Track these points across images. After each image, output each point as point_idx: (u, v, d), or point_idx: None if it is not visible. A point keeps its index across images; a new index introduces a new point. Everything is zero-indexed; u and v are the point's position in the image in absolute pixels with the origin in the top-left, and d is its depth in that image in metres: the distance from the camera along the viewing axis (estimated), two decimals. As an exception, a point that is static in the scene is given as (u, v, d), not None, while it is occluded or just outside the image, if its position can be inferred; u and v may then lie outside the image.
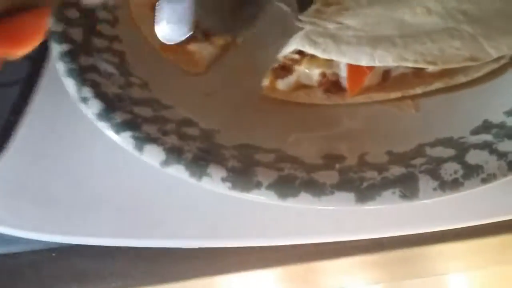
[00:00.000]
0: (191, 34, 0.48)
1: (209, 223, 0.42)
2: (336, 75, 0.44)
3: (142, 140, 0.40)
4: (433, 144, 0.39)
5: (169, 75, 0.48)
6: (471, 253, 0.43)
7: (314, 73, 0.45)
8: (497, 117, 0.40)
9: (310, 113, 0.45)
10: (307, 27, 0.45)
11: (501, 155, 0.35)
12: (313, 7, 0.47)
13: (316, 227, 0.41)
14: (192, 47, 0.49)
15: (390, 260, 0.43)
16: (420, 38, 0.43)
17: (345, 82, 0.44)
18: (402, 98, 0.44)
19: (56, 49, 0.46)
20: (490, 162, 0.35)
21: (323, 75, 0.45)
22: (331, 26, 0.45)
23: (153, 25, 0.49)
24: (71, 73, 0.44)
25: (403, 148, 0.39)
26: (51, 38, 0.47)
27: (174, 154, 0.39)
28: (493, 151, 0.36)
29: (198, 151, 0.39)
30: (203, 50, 0.49)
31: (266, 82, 0.46)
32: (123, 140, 0.40)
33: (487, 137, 0.38)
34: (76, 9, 0.49)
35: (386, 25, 0.44)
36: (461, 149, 0.37)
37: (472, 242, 0.42)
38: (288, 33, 0.47)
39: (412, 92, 0.44)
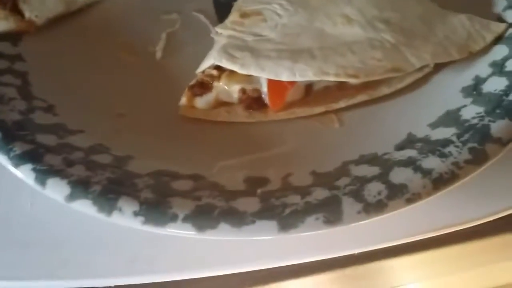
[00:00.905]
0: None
1: (125, 258, 0.39)
2: (257, 91, 0.42)
3: (45, 173, 0.36)
4: (357, 162, 0.37)
5: (78, 95, 0.44)
6: (424, 264, 0.43)
7: (233, 90, 0.42)
8: (421, 130, 0.39)
9: (232, 133, 0.42)
10: (224, 40, 0.43)
11: (426, 173, 0.34)
12: (230, 18, 0.45)
13: (257, 253, 0.39)
14: None
15: (344, 277, 0.41)
16: (340, 50, 0.41)
17: (266, 98, 0.42)
18: (326, 113, 0.43)
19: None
20: (415, 180, 0.34)
21: (243, 91, 0.42)
22: (249, 38, 0.42)
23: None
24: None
25: (327, 167, 0.37)
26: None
27: (80, 187, 0.35)
28: (417, 168, 0.35)
29: (108, 182, 0.36)
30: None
31: (183, 100, 0.43)
32: (24, 174, 0.36)
33: (412, 153, 0.36)
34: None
35: (306, 37, 0.42)
36: (385, 166, 0.36)
37: (424, 254, 0.42)
38: (208, 47, 0.45)
39: (335, 106, 0.43)
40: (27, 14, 0.47)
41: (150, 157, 0.39)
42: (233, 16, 0.45)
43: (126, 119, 0.43)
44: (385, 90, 0.43)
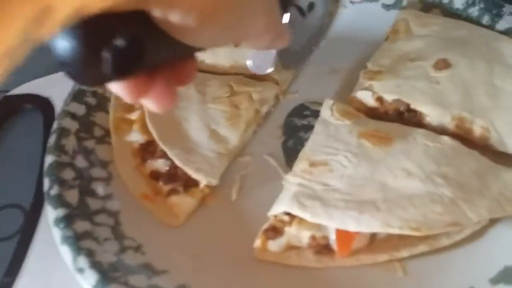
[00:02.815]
0: (172, 186, 0.51)
1: None
2: (326, 238, 0.45)
3: (136, 316, 0.40)
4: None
5: (161, 234, 0.49)
6: None
7: (304, 236, 0.46)
8: (483, 285, 0.42)
9: (301, 276, 0.45)
10: (295, 188, 0.47)
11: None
12: (299, 166, 0.49)
13: None
14: (172, 199, 0.51)
15: None
16: (402, 203, 0.44)
17: (334, 245, 0.45)
18: (390, 261, 0.45)
19: (51, 214, 0.47)
20: None
21: (313, 238, 0.46)
22: (318, 187, 0.46)
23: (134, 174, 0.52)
24: (66, 241, 0.45)
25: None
26: (47, 202, 0.48)
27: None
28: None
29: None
30: (183, 203, 0.50)
31: (257, 243, 0.47)
32: (120, 316, 0.40)
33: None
34: (71, 169, 0.51)
35: (370, 188, 0.46)
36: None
37: None
38: (277, 189, 0.50)
39: (398, 255, 0.45)
40: (203, 182, 0.51)
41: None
42: (302, 165, 0.49)
43: (202, 259, 0.47)
44: (445, 241, 0.45)
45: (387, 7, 0.66)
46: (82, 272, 0.43)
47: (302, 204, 0.45)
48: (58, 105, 0.62)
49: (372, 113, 0.55)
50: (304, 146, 0.52)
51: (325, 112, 0.54)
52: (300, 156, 0.51)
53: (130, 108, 0.57)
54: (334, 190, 0.46)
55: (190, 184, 0.51)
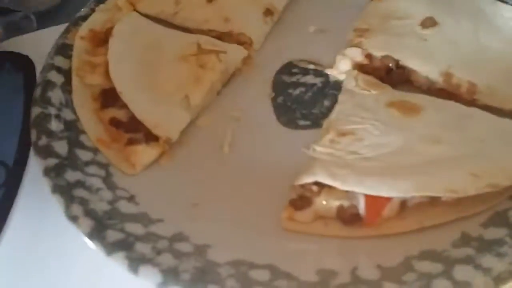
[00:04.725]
0: (132, 135, 0.50)
1: None
2: (355, 207, 0.44)
3: (137, 261, 0.40)
4: (419, 258, 0.41)
5: (155, 184, 0.48)
6: None
7: (332, 205, 0.44)
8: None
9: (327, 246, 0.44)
10: (324, 157, 0.46)
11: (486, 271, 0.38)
12: (327, 137, 0.48)
13: None
14: (131, 148, 0.49)
15: None
16: (436, 167, 0.44)
17: (363, 214, 0.44)
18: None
19: (40, 164, 0.46)
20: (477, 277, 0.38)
21: (341, 207, 0.44)
22: (348, 156, 0.46)
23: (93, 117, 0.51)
24: (58, 189, 0.44)
25: (391, 262, 0.41)
26: (34, 152, 0.47)
27: (171, 275, 0.39)
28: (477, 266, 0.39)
29: (195, 271, 0.39)
30: (142, 153, 0.49)
31: (285, 214, 0.45)
32: (117, 261, 0.40)
33: (469, 251, 0.40)
34: (58, 121, 0.50)
35: (402, 155, 0.45)
36: (447, 263, 0.40)
37: None
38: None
39: (428, 223, 0.44)
40: (162, 137, 0.49)
41: (227, 246, 0.43)
42: (329, 135, 0.48)
43: (200, 209, 0.47)
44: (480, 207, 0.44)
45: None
46: (76, 220, 0.42)
47: (333, 173, 0.44)
48: (38, 63, 0.61)
49: (362, 70, 0.55)
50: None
51: (349, 81, 0.53)
52: (326, 125, 0.50)
53: (94, 51, 0.56)
54: (364, 158, 0.46)
55: (151, 135, 0.50)
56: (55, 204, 0.44)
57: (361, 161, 0.45)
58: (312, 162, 0.47)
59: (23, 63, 0.63)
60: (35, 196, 0.50)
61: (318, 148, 0.48)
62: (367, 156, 0.46)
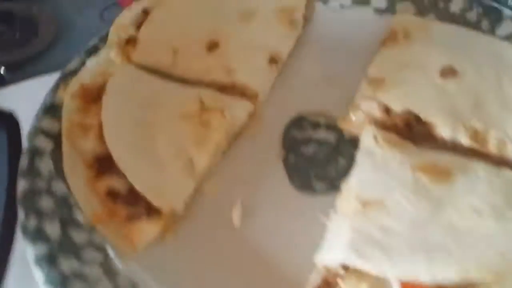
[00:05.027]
0: (132, 209, 0.44)
1: None
2: None
3: None
4: None
5: (159, 267, 0.43)
6: None
7: None
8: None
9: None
10: (348, 232, 0.41)
11: None
12: (350, 206, 0.43)
13: None
14: (132, 224, 0.44)
15: None
16: (476, 244, 0.40)
17: None
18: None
19: (31, 250, 0.40)
20: None
21: None
22: (375, 232, 0.41)
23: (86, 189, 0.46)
24: (52, 283, 0.38)
25: None
26: (23, 236, 0.41)
27: None
28: None
29: None
30: (144, 230, 0.44)
31: None
32: None
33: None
34: (49, 196, 0.44)
35: (436, 230, 0.41)
36: None
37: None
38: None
39: None
40: (166, 208, 0.44)
41: None
42: (352, 204, 0.43)
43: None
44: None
45: (379, 11, 0.63)
46: (73, 320, 0.37)
47: (361, 253, 0.39)
48: (24, 120, 0.56)
49: (379, 125, 0.51)
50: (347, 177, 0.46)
51: (368, 141, 0.49)
52: (346, 192, 0.45)
53: (85, 110, 0.50)
54: (395, 234, 0.41)
55: (153, 208, 0.44)
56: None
57: (391, 236, 0.41)
58: (335, 237, 0.42)
59: (5, 120, 0.57)
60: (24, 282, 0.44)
61: (339, 220, 0.43)
62: (397, 231, 0.41)
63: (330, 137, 0.53)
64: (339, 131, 0.53)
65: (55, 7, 0.76)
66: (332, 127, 0.54)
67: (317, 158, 0.51)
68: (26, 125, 0.55)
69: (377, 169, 0.46)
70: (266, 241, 0.45)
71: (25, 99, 0.58)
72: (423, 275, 0.38)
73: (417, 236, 0.41)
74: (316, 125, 0.54)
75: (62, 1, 0.77)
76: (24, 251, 0.43)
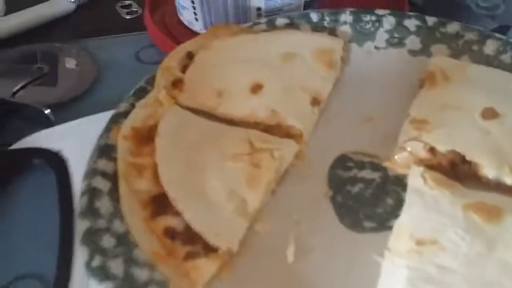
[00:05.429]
0: (190, 248, 0.46)
1: None
2: None
3: None
4: None
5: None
6: None
7: None
8: None
9: None
10: (406, 271, 0.42)
11: None
12: (404, 245, 0.44)
13: None
14: (191, 263, 0.45)
15: None
16: None
17: None
18: None
19: (96, 290, 0.41)
20: None
21: None
22: (432, 270, 0.42)
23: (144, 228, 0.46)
24: (120, 322, 0.39)
25: None
26: (88, 275, 0.42)
27: None
28: None
29: None
30: (203, 268, 0.44)
31: None
32: None
33: None
34: (110, 235, 0.45)
35: (491, 269, 0.42)
36: None
37: None
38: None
39: None
40: (223, 247, 0.45)
41: None
42: (409, 243, 0.44)
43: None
44: None
45: (413, 53, 0.65)
46: None
47: None
48: (72, 160, 0.57)
49: (424, 165, 0.52)
50: (398, 218, 0.47)
51: (416, 180, 0.50)
52: (399, 232, 0.46)
53: (138, 151, 0.52)
54: (452, 272, 0.42)
55: (210, 247, 0.45)
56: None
57: (447, 274, 0.42)
58: (391, 276, 0.43)
59: (53, 160, 0.59)
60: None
61: (396, 260, 0.44)
62: (453, 269, 0.42)
63: (376, 176, 0.54)
64: (383, 170, 0.54)
65: (94, 48, 0.78)
66: (376, 166, 0.55)
67: (364, 197, 0.52)
68: (74, 165, 0.57)
69: (428, 208, 0.47)
70: (319, 277, 0.46)
71: (72, 139, 0.60)
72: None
73: (473, 274, 0.42)
74: (361, 165, 0.55)
75: (100, 43, 0.80)
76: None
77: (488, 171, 0.50)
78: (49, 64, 0.73)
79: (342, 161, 0.56)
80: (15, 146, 0.59)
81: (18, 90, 0.69)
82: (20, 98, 0.69)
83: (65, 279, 0.48)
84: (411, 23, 0.66)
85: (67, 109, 0.67)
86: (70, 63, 0.74)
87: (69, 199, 0.54)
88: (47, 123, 0.64)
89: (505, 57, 0.61)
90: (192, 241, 0.46)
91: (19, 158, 0.59)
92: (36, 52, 0.75)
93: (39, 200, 0.56)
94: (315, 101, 0.59)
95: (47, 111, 0.64)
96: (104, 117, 0.56)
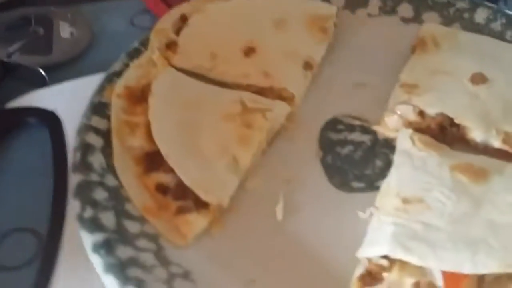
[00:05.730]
0: (181, 203, 0.47)
1: None
2: (432, 284, 0.41)
3: None
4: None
5: (208, 257, 0.45)
6: None
7: (406, 282, 0.41)
8: None
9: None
10: (391, 228, 0.43)
11: None
12: (391, 203, 0.45)
13: None
14: (182, 217, 0.46)
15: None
16: None
17: None
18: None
19: (88, 239, 0.42)
20: None
21: (417, 284, 0.41)
22: (418, 227, 0.43)
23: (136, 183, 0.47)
24: (111, 269, 0.40)
25: None
26: (80, 226, 0.43)
27: None
28: None
29: None
30: (193, 222, 0.46)
31: None
32: None
33: None
34: (102, 188, 0.46)
35: (476, 226, 0.42)
36: None
37: None
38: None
39: None
40: (214, 203, 0.46)
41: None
42: (394, 202, 0.45)
43: (257, 286, 0.43)
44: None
45: (406, 20, 0.66)
46: (136, 305, 0.38)
47: (406, 246, 0.41)
48: (66, 119, 0.58)
49: (413, 128, 0.53)
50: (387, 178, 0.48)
51: (405, 142, 0.51)
52: (386, 190, 0.47)
53: (131, 110, 0.52)
54: (437, 230, 0.43)
55: (201, 202, 0.46)
56: (101, 283, 0.40)
57: (433, 232, 0.42)
58: (377, 232, 0.44)
59: (48, 119, 0.59)
60: (73, 273, 0.45)
61: (382, 217, 0.45)
62: (439, 226, 0.43)
63: (365, 139, 0.55)
64: (373, 134, 0.55)
65: (88, 13, 0.78)
66: (366, 129, 0.56)
67: (353, 158, 0.53)
68: (68, 124, 0.57)
69: (416, 169, 0.48)
70: (308, 234, 0.47)
71: (66, 99, 0.60)
72: (467, 267, 0.40)
73: (458, 231, 0.43)
74: (351, 128, 0.56)
75: (94, 8, 0.80)
76: (73, 242, 0.45)
77: (476, 134, 0.51)
78: (44, 28, 0.72)
79: (333, 124, 0.56)
80: (11, 105, 0.60)
81: (13, 52, 0.69)
82: (15, 60, 0.68)
83: (57, 232, 0.48)
84: (404, -10, 0.67)
85: (61, 72, 0.67)
86: (65, 27, 0.73)
87: (63, 156, 0.54)
88: (42, 83, 0.64)
89: (495, 26, 0.62)
90: (183, 196, 0.47)
91: (14, 117, 0.60)
92: (31, 16, 0.75)
93: (34, 157, 0.56)
94: (307, 65, 0.59)
95: (41, 72, 0.65)
96: (98, 78, 0.56)
